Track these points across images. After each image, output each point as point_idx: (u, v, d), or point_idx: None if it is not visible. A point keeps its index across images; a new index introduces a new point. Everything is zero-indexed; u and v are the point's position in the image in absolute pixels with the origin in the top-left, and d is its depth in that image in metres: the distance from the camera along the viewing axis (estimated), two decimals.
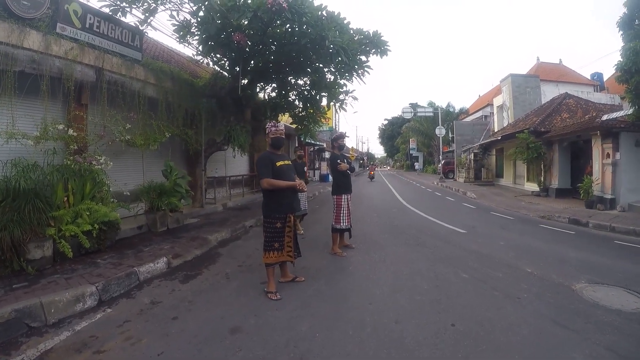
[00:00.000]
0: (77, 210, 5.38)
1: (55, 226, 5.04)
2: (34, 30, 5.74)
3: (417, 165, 53.14)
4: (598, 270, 5.13)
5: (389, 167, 69.07)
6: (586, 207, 11.55)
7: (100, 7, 7.08)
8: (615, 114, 11.52)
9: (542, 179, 15.80)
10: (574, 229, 8.70)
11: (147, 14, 7.62)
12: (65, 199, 5.43)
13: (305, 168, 7.95)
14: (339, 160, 5.91)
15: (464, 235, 7.54)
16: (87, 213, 5.44)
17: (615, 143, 11.19)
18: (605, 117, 11.49)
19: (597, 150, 11.99)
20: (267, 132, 4.27)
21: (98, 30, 6.96)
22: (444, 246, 6.56)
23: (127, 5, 7.29)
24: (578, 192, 12.54)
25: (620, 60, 9.76)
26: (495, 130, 26.92)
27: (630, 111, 10.39)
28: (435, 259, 5.63)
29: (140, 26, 7.86)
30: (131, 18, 7.71)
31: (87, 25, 6.75)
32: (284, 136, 4.29)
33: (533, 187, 16.60)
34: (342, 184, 5.95)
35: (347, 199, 5.95)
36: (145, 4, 7.44)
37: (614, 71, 12.07)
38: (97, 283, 4.06)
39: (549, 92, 24.44)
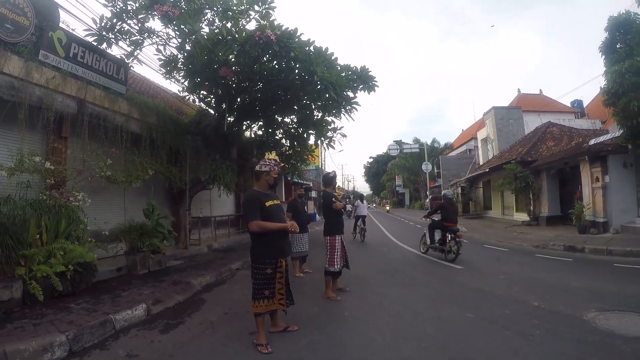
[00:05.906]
0: (50, 249, 4.93)
1: (26, 266, 4.63)
2: (15, 56, 5.49)
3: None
4: (605, 296, 5.03)
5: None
6: (579, 232, 11.52)
7: (85, 36, 6.91)
8: (602, 137, 11.68)
9: (531, 208, 15.81)
10: (571, 255, 8.60)
11: (133, 47, 7.50)
12: (38, 236, 4.98)
13: (306, 207, 7.68)
14: (333, 199, 5.63)
15: (461, 272, 7.25)
16: (61, 253, 4.99)
17: (604, 166, 11.32)
18: (592, 142, 11.64)
19: (586, 175, 12.09)
20: (267, 170, 3.85)
21: (82, 61, 6.78)
22: (443, 284, 6.25)
23: (112, 36, 7.15)
24: (569, 219, 12.53)
25: (605, 84, 9.91)
26: (481, 163, 27.27)
27: (619, 133, 10.48)
28: (436, 299, 5.29)
29: (126, 59, 7.72)
30: (117, 51, 7.53)
31: (71, 55, 6.56)
32: None
33: (523, 216, 16.58)
34: (336, 223, 5.65)
35: (341, 239, 5.63)
36: (132, 36, 7.33)
37: (599, 95, 12.31)
38: (68, 332, 3.66)
39: (531, 122, 25.01)
